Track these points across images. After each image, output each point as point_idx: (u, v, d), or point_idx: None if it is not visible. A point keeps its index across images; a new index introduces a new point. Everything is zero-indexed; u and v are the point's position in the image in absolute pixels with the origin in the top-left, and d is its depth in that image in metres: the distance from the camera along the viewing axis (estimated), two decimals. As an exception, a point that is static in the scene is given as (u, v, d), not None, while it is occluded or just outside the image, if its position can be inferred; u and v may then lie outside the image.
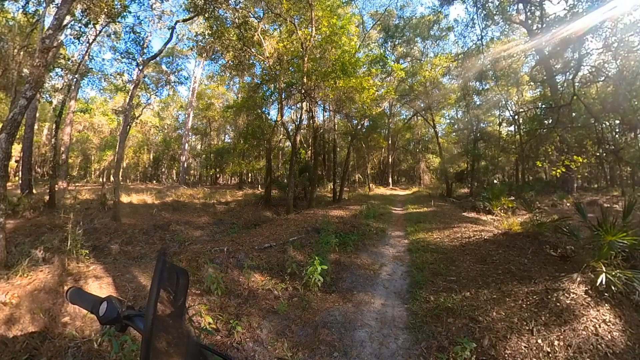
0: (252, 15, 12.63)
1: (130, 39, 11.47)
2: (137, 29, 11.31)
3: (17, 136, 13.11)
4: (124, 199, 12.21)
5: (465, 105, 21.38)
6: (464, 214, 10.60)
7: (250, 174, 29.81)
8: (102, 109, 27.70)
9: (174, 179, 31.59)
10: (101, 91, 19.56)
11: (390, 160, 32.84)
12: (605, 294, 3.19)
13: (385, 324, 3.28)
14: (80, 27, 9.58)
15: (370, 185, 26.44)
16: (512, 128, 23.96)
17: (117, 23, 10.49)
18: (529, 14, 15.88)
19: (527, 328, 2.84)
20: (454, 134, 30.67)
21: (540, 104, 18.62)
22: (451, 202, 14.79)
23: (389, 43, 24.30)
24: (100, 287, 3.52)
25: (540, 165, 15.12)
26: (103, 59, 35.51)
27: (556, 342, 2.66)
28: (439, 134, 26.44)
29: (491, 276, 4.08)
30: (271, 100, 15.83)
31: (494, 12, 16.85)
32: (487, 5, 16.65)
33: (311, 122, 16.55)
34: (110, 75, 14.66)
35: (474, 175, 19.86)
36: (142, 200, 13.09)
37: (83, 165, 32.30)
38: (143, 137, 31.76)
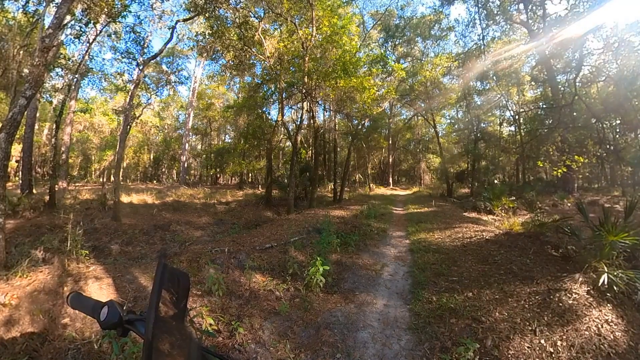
0: (252, 15, 12.63)
1: (131, 39, 11.49)
2: (137, 28, 11.33)
3: (17, 136, 13.17)
4: (124, 199, 12.20)
5: (465, 105, 21.33)
6: (464, 214, 10.57)
7: (250, 174, 29.80)
8: (103, 108, 27.69)
9: (174, 179, 31.55)
10: (101, 91, 19.53)
11: (390, 160, 32.83)
12: (608, 294, 3.18)
13: (388, 324, 3.26)
14: (80, 26, 9.57)
15: (371, 185, 26.44)
16: (512, 128, 23.98)
17: (118, 23, 10.47)
18: (530, 13, 15.87)
19: (530, 328, 2.83)
20: (455, 134, 30.60)
21: (541, 103, 18.64)
22: (452, 202, 14.76)
23: (390, 43, 24.31)
24: (100, 288, 3.50)
25: (541, 165, 15.11)
26: (103, 59, 35.69)
27: (559, 343, 2.65)
28: (440, 134, 26.40)
29: (493, 276, 4.06)
30: (272, 100, 15.84)
31: (495, 12, 16.86)
32: (488, 5, 16.67)
33: (312, 122, 16.53)
34: (111, 75, 14.69)
35: (475, 175, 19.83)
36: (143, 200, 13.10)
37: (83, 165, 32.30)
38: (143, 137, 31.75)
